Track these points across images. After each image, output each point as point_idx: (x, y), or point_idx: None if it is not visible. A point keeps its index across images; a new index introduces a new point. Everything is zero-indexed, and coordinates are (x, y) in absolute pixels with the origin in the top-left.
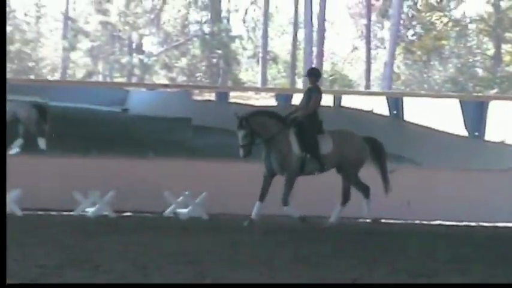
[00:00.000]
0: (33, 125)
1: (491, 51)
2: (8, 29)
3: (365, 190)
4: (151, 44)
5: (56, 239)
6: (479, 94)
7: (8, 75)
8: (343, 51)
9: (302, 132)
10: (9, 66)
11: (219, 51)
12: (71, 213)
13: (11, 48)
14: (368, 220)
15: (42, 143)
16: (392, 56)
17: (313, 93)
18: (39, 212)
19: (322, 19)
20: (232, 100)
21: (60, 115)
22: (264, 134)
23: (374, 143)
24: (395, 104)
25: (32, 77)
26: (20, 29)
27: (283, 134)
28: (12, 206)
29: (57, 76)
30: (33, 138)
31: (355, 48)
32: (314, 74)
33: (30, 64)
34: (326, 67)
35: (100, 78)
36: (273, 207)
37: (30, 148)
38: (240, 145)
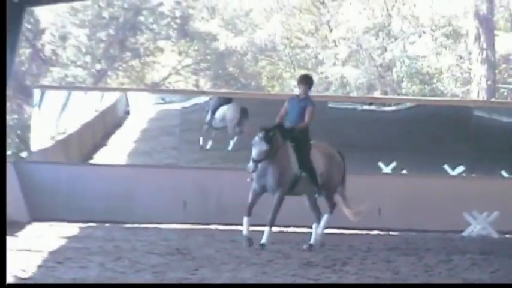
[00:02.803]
0: (235, 126)
1: None
2: None
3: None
4: None
5: None
6: None
7: None
8: None
9: (299, 147)
10: None
11: None
12: None
13: None
14: None
15: (231, 143)
16: None
17: (307, 103)
18: None
19: None
20: None
21: None
22: (274, 148)
23: (342, 157)
24: None
25: None
26: None
27: (283, 148)
28: (488, 227)
29: None
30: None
31: None
32: (307, 82)
33: None
34: None
35: None
36: None
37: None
38: (253, 159)
